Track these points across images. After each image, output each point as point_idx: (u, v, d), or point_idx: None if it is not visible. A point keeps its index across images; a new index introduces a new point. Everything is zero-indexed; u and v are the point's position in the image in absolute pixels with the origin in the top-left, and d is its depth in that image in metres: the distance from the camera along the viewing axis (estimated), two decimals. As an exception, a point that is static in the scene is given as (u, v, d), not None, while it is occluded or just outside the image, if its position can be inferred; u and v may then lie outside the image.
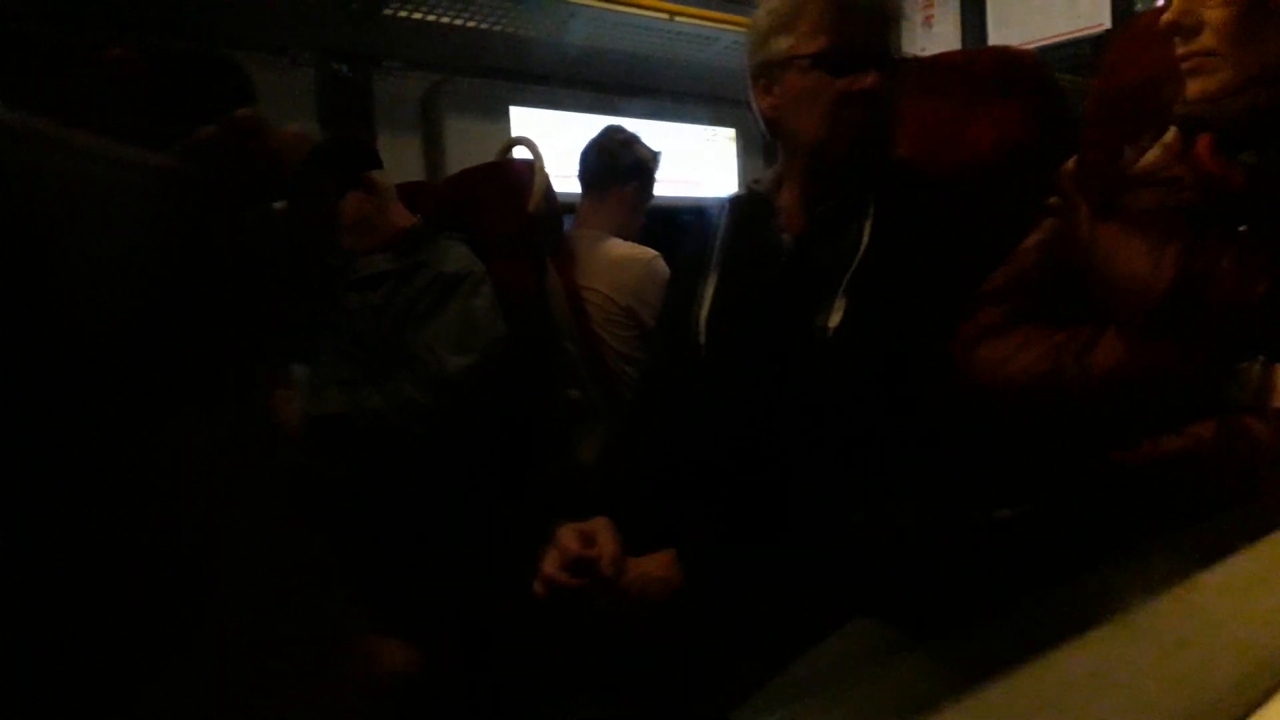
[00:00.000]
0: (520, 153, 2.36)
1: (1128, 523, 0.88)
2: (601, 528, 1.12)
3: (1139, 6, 2.84)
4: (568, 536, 1.11)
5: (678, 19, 3.03)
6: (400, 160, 2.76)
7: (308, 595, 0.37)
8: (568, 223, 2.43)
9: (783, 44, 1.22)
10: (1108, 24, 2.98)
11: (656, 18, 3.01)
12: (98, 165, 0.31)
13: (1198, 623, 0.49)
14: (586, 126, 2.74)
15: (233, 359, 0.34)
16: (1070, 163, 1.14)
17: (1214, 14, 0.92)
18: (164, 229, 0.31)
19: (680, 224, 2.48)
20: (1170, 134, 1.01)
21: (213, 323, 0.32)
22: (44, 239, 0.28)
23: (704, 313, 1.26)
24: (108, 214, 0.30)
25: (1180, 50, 0.95)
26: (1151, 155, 1.02)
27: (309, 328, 1.99)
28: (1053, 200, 1.15)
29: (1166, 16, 0.96)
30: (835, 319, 1.15)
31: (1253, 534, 0.53)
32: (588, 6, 2.84)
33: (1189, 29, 0.94)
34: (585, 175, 2.41)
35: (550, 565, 1.10)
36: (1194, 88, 0.95)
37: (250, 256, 0.35)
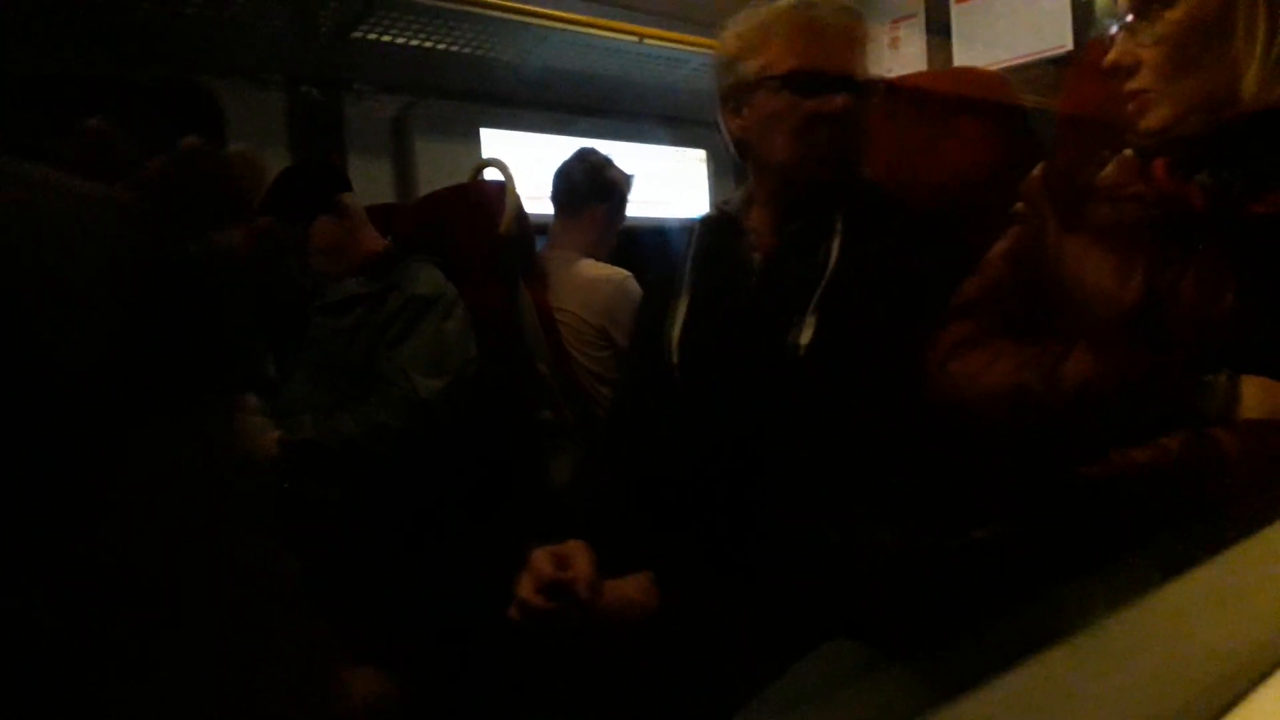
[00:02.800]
0: (491, 174, 2.37)
1: (1096, 535, 0.89)
2: (576, 550, 1.11)
3: (1092, 32, 2.90)
4: (541, 559, 1.10)
5: (647, 41, 3.05)
6: (371, 183, 2.75)
7: (280, 620, 0.37)
8: (540, 244, 2.43)
9: (752, 66, 1.23)
10: (1070, 45, 3.03)
11: (626, 40, 3.02)
12: (49, 198, 0.31)
13: (1162, 635, 0.49)
14: (558, 148, 2.75)
15: (191, 385, 0.33)
16: (1037, 171, 1.16)
17: (1149, 53, 0.98)
18: (114, 260, 0.31)
19: (651, 245, 2.49)
20: (1127, 151, 1.04)
21: (167, 351, 0.32)
22: None
23: (676, 332, 1.26)
24: (58, 245, 0.30)
25: (1125, 88, 0.99)
26: (1109, 170, 1.05)
27: (278, 353, 1.98)
28: (1018, 207, 1.16)
29: (1108, 58, 1.00)
30: (806, 336, 1.15)
31: (1218, 545, 0.53)
32: (558, 29, 2.85)
33: (1128, 69, 0.99)
34: (558, 196, 2.42)
35: (524, 589, 1.09)
36: (1142, 123, 0.99)
37: (202, 284, 0.35)
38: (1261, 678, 0.50)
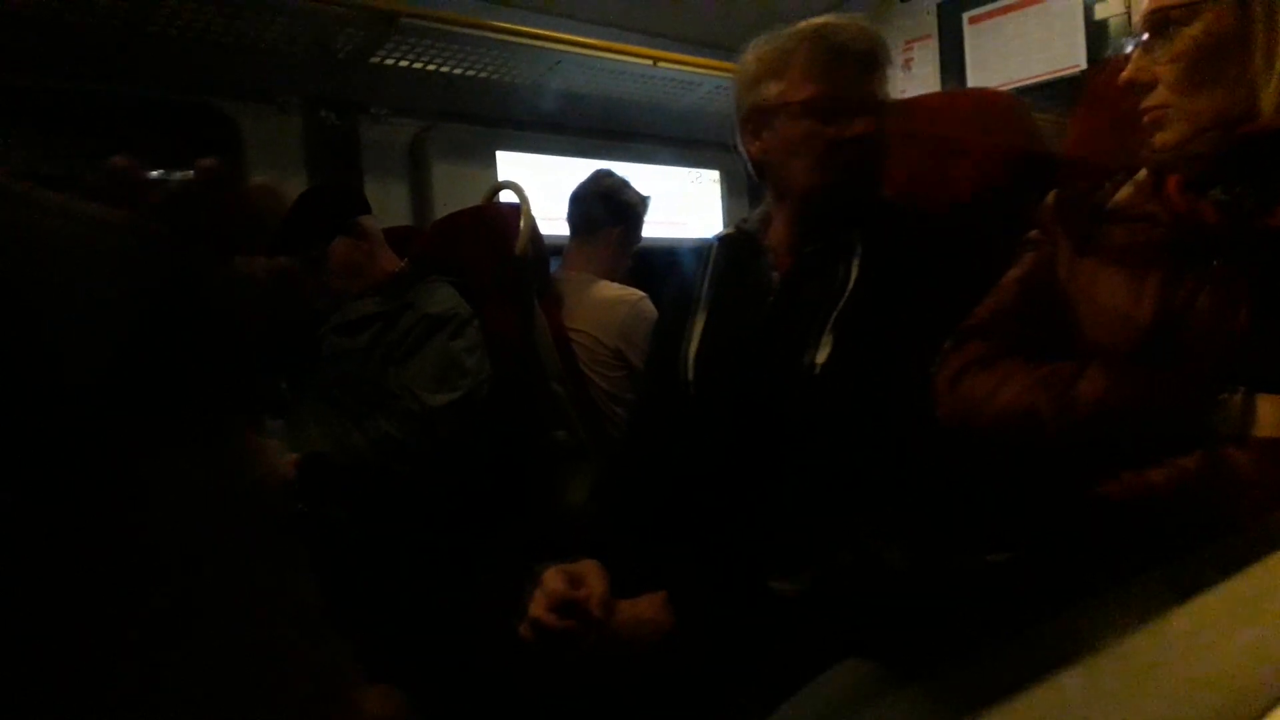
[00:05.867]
0: (507, 197, 2.38)
1: (1111, 555, 0.88)
2: (589, 569, 1.11)
3: (1109, 51, 2.90)
4: (555, 578, 1.10)
5: (661, 64, 3.07)
6: (388, 205, 2.77)
7: (296, 640, 0.37)
8: (555, 265, 2.44)
9: (772, 90, 1.23)
10: (1083, 65, 3.03)
11: (640, 64, 3.05)
12: (65, 223, 0.31)
13: (1179, 654, 0.49)
14: (573, 171, 2.77)
15: (206, 409, 0.34)
16: (1050, 198, 1.16)
17: (1164, 70, 0.98)
18: (128, 284, 0.31)
19: (665, 265, 2.49)
20: (1141, 172, 1.04)
21: (182, 375, 0.32)
22: (10, 293, 0.28)
23: (693, 350, 1.27)
24: (72, 269, 0.30)
25: (1141, 105, 0.99)
26: (1125, 192, 1.05)
27: (292, 373, 1.99)
28: (1033, 234, 1.16)
29: (1124, 75, 1.01)
30: (822, 356, 1.15)
31: (1233, 565, 0.53)
32: (573, 54, 2.88)
33: (1144, 85, 1.00)
34: (574, 218, 2.43)
35: (537, 608, 1.09)
36: (1158, 139, 0.99)
37: (217, 309, 0.35)
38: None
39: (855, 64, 1.21)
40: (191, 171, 0.37)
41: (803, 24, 1.24)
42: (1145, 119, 1.00)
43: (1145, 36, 1.00)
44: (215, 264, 0.36)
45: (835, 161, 1.20)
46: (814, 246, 1.24)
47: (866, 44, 1.22)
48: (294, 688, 0.35)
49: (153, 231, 0.34)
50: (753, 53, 1.27)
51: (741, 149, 1.31)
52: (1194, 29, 0.95)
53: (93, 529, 0.29)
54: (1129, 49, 1.03)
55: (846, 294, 1.18)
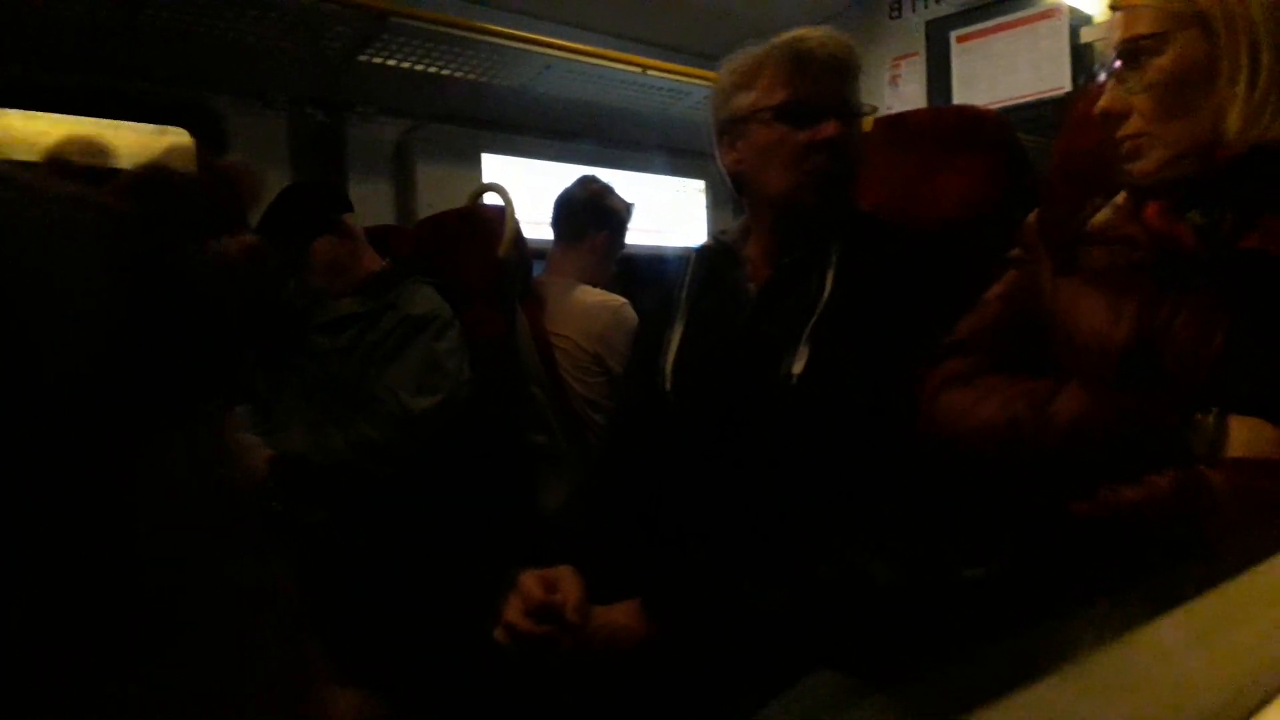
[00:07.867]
0: (491, 199, 2.38)
1: (1083, 571, 0.89)
2: (565, 575, 1.11)
3: (1099, 71, 2.93)
4: (530, 582, 1.10)
5: (650, 73, 3.08)
6: (372, 205, 2.77)
7: (269, 641, 0.36)
8: (538, 269, 2.44)
9: (745, 100, 1.25)
10: (1068, 87, 3.07)
11: (629, 71, 3.06)
12: (29, 199, 0.30)
13: (1148, 672, 0.49)
14: (558, 175, 2.77)
15: (179, 396, 0.33)
16: (1032, 217, 1.18)
17: (1138, 100, 0.99)
18: (97, 262, 0.31)
19: (650, 273, 2.51)
20: (1121, 195, 1.05)
21: (154, 360, 0.32)
22: None
23: (670, 360, 1.27)
24: (41, 249, 0.29)
25: (1117, 134, 1.01)
26: (1104, 215, 1.06)
27: (269, 370, 1.98)
28: (1015, 252, 1.17)
29: (1099, 105, 1.02)
30: (799, 366, 1.16)
31: (1204, 584, 0.53)
32: (561, 58, 2.88)
33: (1120, 115, 1.01)
34: (558, 223, 2.43)
35: (513, 612, 1.08)
36: (1136, 168, 1.01)
37: (192, 292, 0.34)
38: (1247, 716, 0.50)
39: (824, 69, 1.22)
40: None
41: (776, 37, 1.25)
42: (1123, 149, 1.01)
43: (1118, 64, 1.01)
44: (188, 242, 0.35)
45: (806, 166, 1.21)
46: (791, 258, 1.25)
47: (836, 50, 1.23)
48: (264, 688, 0.35)
49: (124, 210, 0.33)
50: (727, 66, 1.30)
51: (718, 161, 1.32)
52: (1164, 59, 0.97)
53: (63, 519, 0.28)
54: (1102, 77, 1.04)
55: (822, 304, 1.19)
